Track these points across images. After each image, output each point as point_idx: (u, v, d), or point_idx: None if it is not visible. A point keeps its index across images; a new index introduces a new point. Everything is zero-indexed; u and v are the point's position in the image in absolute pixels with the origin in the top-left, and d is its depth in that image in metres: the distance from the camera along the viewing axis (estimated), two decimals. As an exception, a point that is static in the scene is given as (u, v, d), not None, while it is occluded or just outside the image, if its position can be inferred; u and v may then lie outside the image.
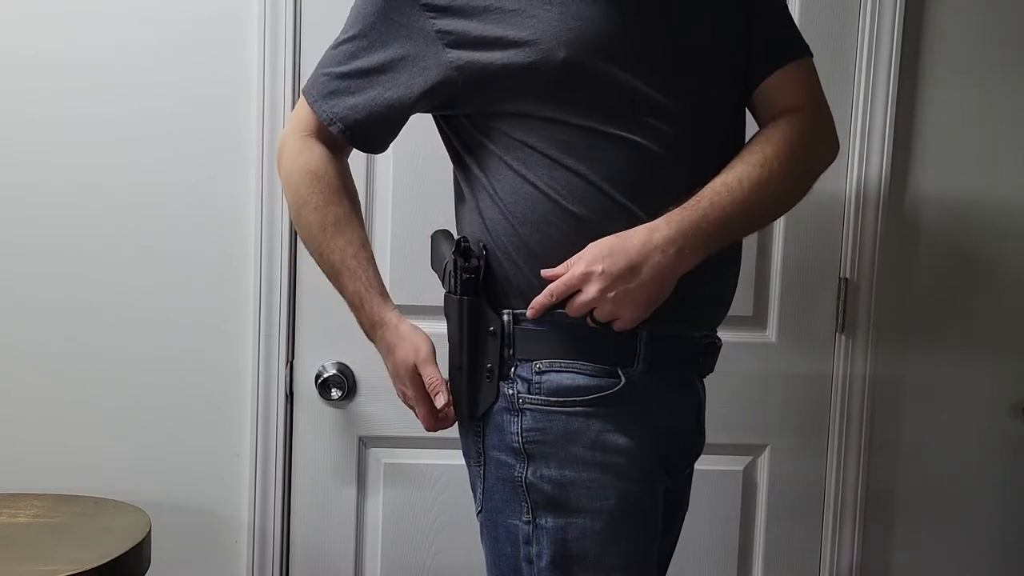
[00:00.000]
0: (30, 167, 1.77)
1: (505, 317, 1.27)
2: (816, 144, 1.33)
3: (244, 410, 1.83)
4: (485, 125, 1.29)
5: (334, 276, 1.34)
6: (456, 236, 1.36)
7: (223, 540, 1.86)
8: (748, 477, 1.90)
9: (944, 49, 1.84)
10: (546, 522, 1.25)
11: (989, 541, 1.95)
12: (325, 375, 1.82)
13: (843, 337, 1.87)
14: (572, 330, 1.24)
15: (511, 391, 1.26)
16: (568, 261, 1.23)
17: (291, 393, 1.84)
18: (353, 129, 1.31)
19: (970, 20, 1.83)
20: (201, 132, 1.78)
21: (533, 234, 1.25)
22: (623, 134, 1.24)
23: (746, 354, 1.85)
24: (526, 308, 1.25)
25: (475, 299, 1.27)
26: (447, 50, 1.25)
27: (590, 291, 1.20)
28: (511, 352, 1.27)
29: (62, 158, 1.77)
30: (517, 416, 1.26)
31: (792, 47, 1.36)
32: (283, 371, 1.82)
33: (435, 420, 1.32)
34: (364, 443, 1.86)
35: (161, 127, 1.77)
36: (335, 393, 1.82)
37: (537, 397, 1.25)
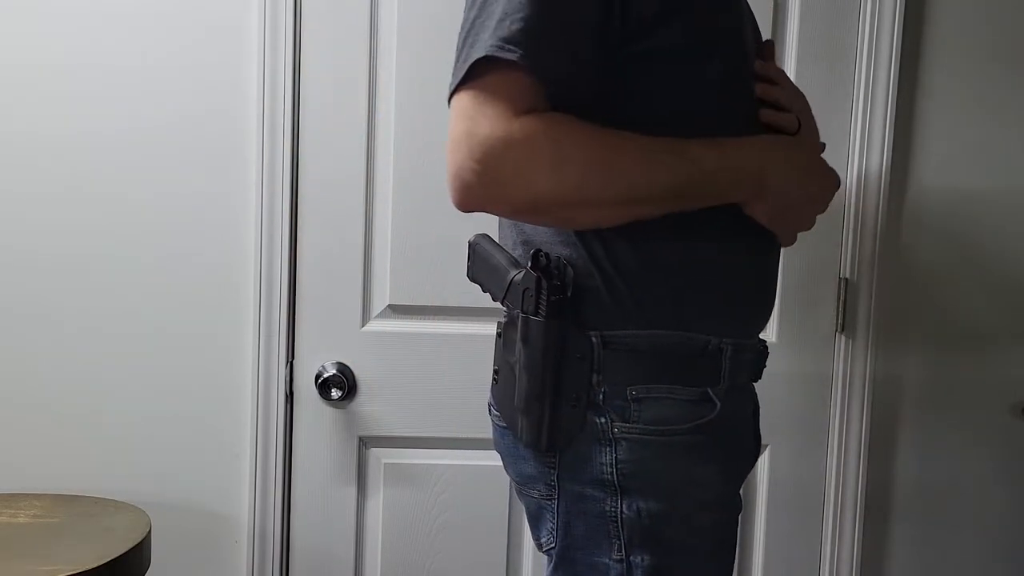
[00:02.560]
0: (31, 173, 1.77)
1: (593, 339, 1.14)
2: None
3: (244, 410, 1.83)
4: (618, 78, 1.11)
5: (710, 175, 1.09)
6: (519, 240, 1.23)
7: (223, 540, 1.86)
8: (748, 477, 1.90)
9: (944, 49, 1.84)
10: (642, 560, 1.15)
11: (989, 541, 1.95)
12: (325, 375, 1.82)
13: (843, 337, 1.87)
14: (663, 352, 1.15)
15: (602, 419, 1.15)
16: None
17: (291, 393, 1.84)
18: (570, 87, 1.04)
19: (970, 19, 1.83)
20: (202, 136, 1.78)
21: (635, 241, 1.14)
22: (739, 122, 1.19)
23: (746, 354, 1.85)
24: (615, 326, 1.15)
25: (563, 322, 1.13)
26: None
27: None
28: (599, 378, 1.15)
29: (63, 164, 1.77)
30: (609, 446, 1.15)
31: None
32: (283, 371, 1.82)
33: None
34: (364, 443, 1.86)
35: (162, 131, 1.77)
36: (335, 393, 1.82)
37: (635, 426, 1.14)
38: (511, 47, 1.01)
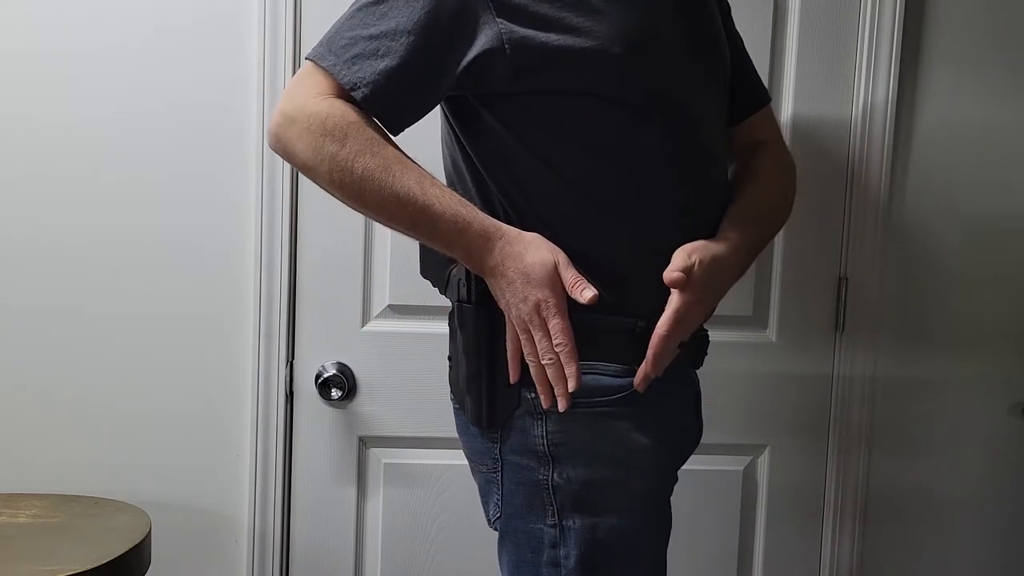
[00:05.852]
0: (29, 165, 1.77)
1: None
2: (794, 174, 1.48)
3: (244, 410, 1.83)
4: (509, 107, 1.24)
5: (421, 211, 1.17)
6: None
7: (223, 540, 1.86)
8: (748, 477, 1.90)
9: (944, 49, 1.84)
10: (574, 523, 1.24)
11: (989, 541, 1.95)
12: (325, 375, 1.82)
13: (843, 337, 1.87)
14: (589, 331, 1.22)
15: (532, 394, 1.24)
16: (676, 275, 1.19)
17: (291, 393, 1.84)
18: (380, 97, 1.18)
19: (970, 19, 1.83)
20: (201, 131, 1.78)
21: (561, 228, 1.23)
22: (658, 128, 1.26)
23: (746, 354, 1.85)
24: None
25: (492, 308, 1.23)
26: (499, 20, 1.18)
27: (691, 317, 1.23)
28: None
29: (61, 156, 1.77)
30: (540, 419, 1.24)
31: (765, 91, 1.51)
32: (283, 371, 1.82)
33: (572, 351, 1.18)
34: (364, 443, 1.86)
35: (161, 126, 1.77)
36: (335, 393, 1.82)
37: None
38: (354, 82, 1.17)
